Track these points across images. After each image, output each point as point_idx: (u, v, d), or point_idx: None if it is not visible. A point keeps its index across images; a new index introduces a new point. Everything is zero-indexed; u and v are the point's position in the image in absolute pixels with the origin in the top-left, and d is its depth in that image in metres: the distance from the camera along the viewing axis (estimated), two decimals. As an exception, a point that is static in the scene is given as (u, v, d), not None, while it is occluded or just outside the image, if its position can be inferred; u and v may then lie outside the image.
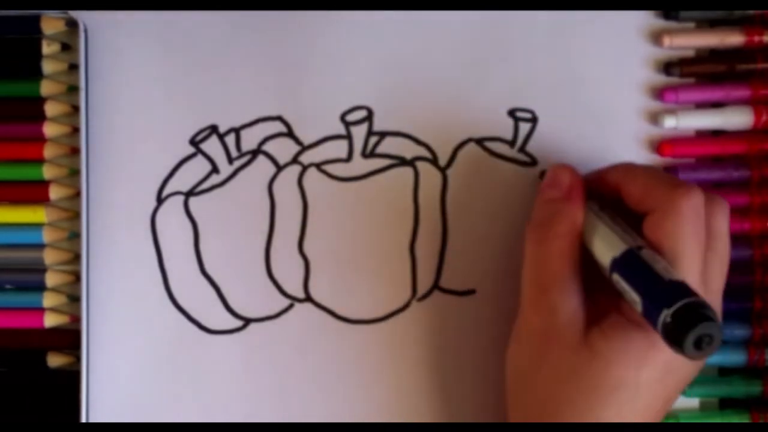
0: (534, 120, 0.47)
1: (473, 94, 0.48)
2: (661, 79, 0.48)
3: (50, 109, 0.48)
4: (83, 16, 0.48)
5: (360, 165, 0.48)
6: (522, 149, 0.47)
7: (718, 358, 0.47)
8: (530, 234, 0.43)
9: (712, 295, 0.41)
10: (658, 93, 0.47)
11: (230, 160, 0.48)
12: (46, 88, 0.48)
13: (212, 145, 0.48)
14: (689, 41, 0.47)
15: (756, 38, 0.46)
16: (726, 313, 0.47)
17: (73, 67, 0.48)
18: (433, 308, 0.47)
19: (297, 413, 0.48)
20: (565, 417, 0.40)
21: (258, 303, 0.48)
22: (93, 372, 0.48)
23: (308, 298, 0.48)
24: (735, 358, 0.47)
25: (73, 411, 0.47)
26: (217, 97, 0.48)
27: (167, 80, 0.48)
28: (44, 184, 0.48)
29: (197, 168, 0.48)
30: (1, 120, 0.48)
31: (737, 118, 0.47)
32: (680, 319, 0.34)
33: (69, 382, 0.47)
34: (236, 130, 0.48)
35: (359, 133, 0.48)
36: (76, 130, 0.48)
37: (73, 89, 0.48)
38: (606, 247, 0.40)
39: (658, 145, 0.47)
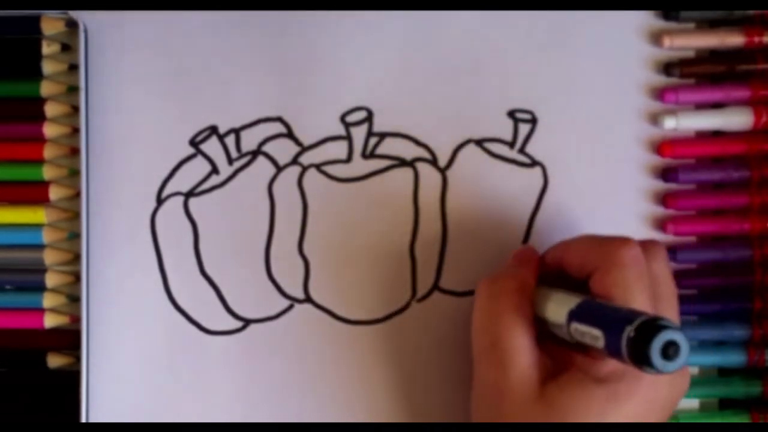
0: (534, 121, 0.47)
1: (473, 94, 0.48)
2: (661, 79, 0.48)
3: (50, 109, 0.47)
4: (83, 17, 0.48)
5: (360, 166, 0.48)
6: (522, 150, 0.47)
7: (718, 358, 0.47)
8: (481, 288, 0.42)
9: None
10: (658, 93, 0.47)
11: (230, 161, 0.48)
12: (46, 88, 0.48)
13: (212, 146, 0.48)
14: (689, 42, 0.47)
15: (756, 39, 0.46)
16: (726, 313, 0.47)
17: (73, 68, 0.48)
18: (432, 309, 0.47)
19: (296, 413, 0.48)
20: None
21: (258, 304, 0.48)
22: (93, 372, 0.48)
23: (308, 299, 0.48)
24: (735, 358, 0.47)
25: (73, 411, 0.47)
26: (217, 98, 0.48)
27: (167, 80, 0.48)
28: (44, 184, 0.48)
29: (197, 169, 0.48)
30: (1, 120, 0.48)
31: (737, 119, 0.47)
32: (643, 331, 0.34)
33: (69, 382, 0.47)
34: (236, 131, 0.48)
35: (359, 133, 0.48)
36: (76, 130, 0.48)
37: (73, 90, 0.48)
38: (560, 306, 0.40)
39: (658, 146, 0.47)
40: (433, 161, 0.48)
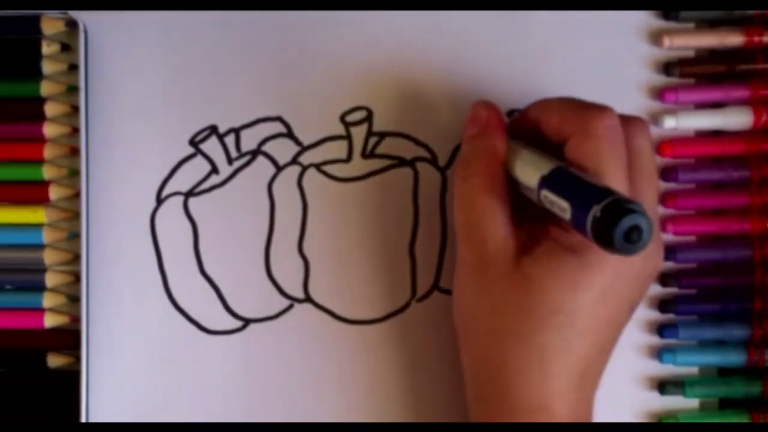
0: (533, 120, 0.47)
1: (473, 94, 0.47)
2: (661, 79, 0.48)
3: (50, 109, 0.47)
4: (83, 17, 0.48)
5: (360, 165, 0.48)
6: (521, 150, 0.47)
7: (718, 358, 0.47)
8: (456, 172, 0.43)
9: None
10: (658, 93, 0.47)
11: (230, 161, 0.48)
12: (45, 88, 0.48)
13: (212, 146, 0.48)
14: (689, 41, 0.47)
15: (756, 38, 0.46)
16: (726, 313, 0.47)
17: (73, 68, 0.48)
18: (432, 309, 0.47)
19: (296, 413, 0.48)
20: (509, 346, 0.40)
21: (257, 303, 0.48)
22: (93, 372, 0.48)
23: (308, 299, 0.48)
24: (735, 358, 0.47)
25: (73, 411, 0.47)
26: (217, 98, 0.48)
27: (167, 80, 0.48)
28: (44, 184, 0.48)
29: (197, 168, 0.48)
30: (1, 120, 0.48)
31: (737, 119, 0.47)
32: (609, 213, 0.34)
33: (69, 382, 0.47)
34: (236, 131, 0.48)
35: (359, 133, 0.48)
36: (75, 130, 0.48)
37: (73, 89, 0.48)
38: (533, 170, 0.40)
39: (658, 146, 0.47)
40: (433, 161, 0.48)
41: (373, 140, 0.48)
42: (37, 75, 0.48)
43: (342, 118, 0.48)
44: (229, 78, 0.48)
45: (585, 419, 0.41)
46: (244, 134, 0.48)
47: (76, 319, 0.48)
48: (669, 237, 0.47)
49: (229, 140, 0.48)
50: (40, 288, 0.48)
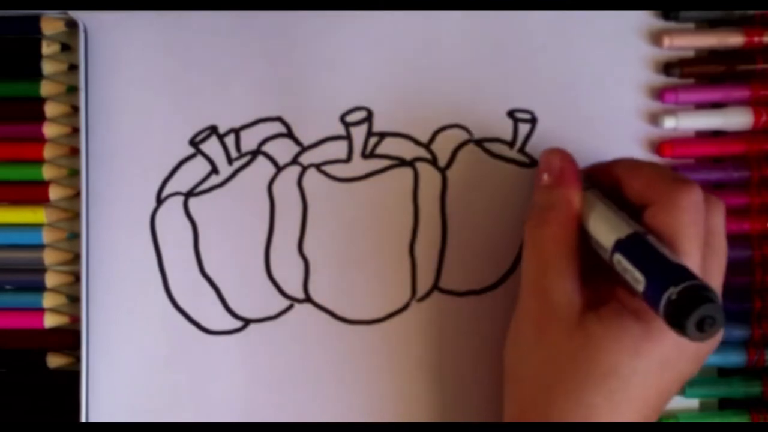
0: (533, 121, 0.47)
1: (473, 94, 0.48)
2: (661, 79, 0.48)
3: (50, 109, 0.48)
4: (83, 17, 0.48)
5: (360, 166, 0.48)
6: (521, 150, 0.47)
7: (718, 358, 0.47)
8: (528, 219, 0.43)
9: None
10: (658, 93, 0.47)
11: (230, 161, 0.48)
12: (45, 88, 0.48)
13: (212, 146, 0.48)
14: (689, 42, 0.47)
15: (756, 39, 0.46)
16: (726, 313, 0.47)
17: (73, 68, 0.48)
18: (432, 309, 0.47)
19: (296, 413, 0.48)
20: (556, 401, 0.40)
21: (258, 304, 0.48)
22: (93, 372, 0.48)
23: (308, 299, 0.48)
24: (734, 358, 0.47)
25: (73, 411, 0.47)
26: (217, 98, 0.48)
27: (167, 80, 0.48)
28: (44, 184, 0.48)
29: (197, 168, 0.48)
30: (1, 120, 0.48)
31: (737, 119, 0.47)
32: (685, 298, 0.34)
33: (69, 382, 0.47)
34: (236, 131, 0.48)
35: (359, 133, 0.48)
36: (75, 130, 0.48)
37: (73, 90, 0.48)
38: (609, 229, 0.40)
39: (658, 146, 0.47)
40: (433, 161, 0.48)
41: (373, 140, 0.48)
42: (37, 75, 0.48)
43: (342, 118, 0.48)
44: (229, 78, 0.48)
45: None
46: (244, 134, 0.48)
47: (76, 319, 0.48)
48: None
49: (229, 140, 0.48)
50: (40, 288, 0.48)
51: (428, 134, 0.48)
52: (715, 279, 0.41)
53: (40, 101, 0.48)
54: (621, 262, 0.38)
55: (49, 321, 0.48)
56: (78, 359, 0.47)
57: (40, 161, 0.48)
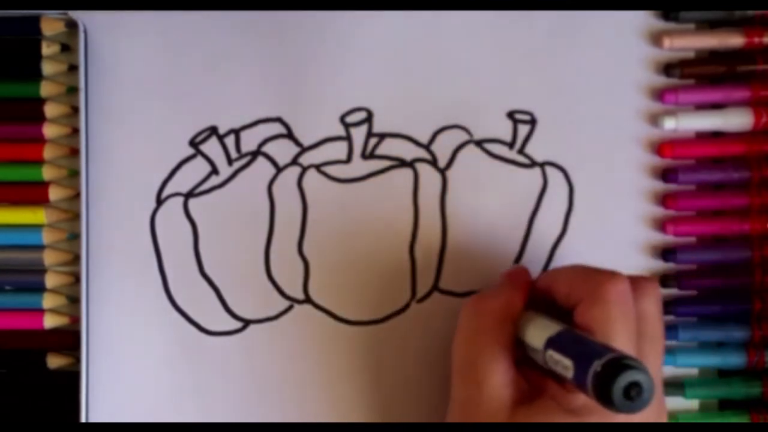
0: (533, 122, 0.47)
1: (473, 95, 0.48)
2: (661, 80, 0.47)
3: (50, 110, 0.47)
4: (83, 17, 0.48)
5: (359, 166, 0.48)
6: (521, 151, 0.47)
7: (718, 359, 0.47)
8: (467, 305, 0.42)
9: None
10: (658, 94, 0.47)
11: (230, 162, 0.48)
12: (45, 89, 0.48)
13: (212, 147, 0.48)
14: (689, 42, 0.47)
15: (756, 39, 0.46)
16: (726, 314, 0.47)
17: (73, 68, 0.48)
18: (432, 310, 0.47)
19: (296, 413, 0.48)
20: None
21: (257, 304, 0.48)
22: (93, 373, 0.48)
23: (308, 300, 0.48)
24: (734, 359, 0.47)
25: (73, 411, 0.47)
26: (217, 98, 0.48)
27: (167, 81, 0.48)
28: (44, 185, 0.48)
29: (197, 169, 0.48)
30: (1, 121, 0.48)
31: (737, 120, 0.47)
32: (608, 368, 0.34)
33: (69, 382, 0.47)
34: (236, 132, 0.48)
35: (359, 134, 0.48)
36: (75, 131, 0.48)
37: (73, 90, 0.48)
38: (541, 332, 0.40)
39: (658, 147, 0.47)
40: (433, 161, 0.48)
41: (373, 141, 0.48)
42: (37, 76, 0.48)
43: (342, 119, 0.48)
44: (229, 78, 0.48)
45: None
46: (244, 135, 0.48)
47: (76, 320, 0.48)
48: (669, 238, 0.47)
49: (229, 141, 0.48)
50: (40, 289, 0.48)
51: (428, 135, 0.48)
52: (650, 361, 0.40)
53: (40, 102, 0.47)
54: (552, 356, 0.38)
55: (49, 321, 0.48)
56: (78, 359, 0.47)
57: (40, 162, 0.48)
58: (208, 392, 0.48)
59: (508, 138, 0.47)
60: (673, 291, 0.47)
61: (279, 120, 0.48)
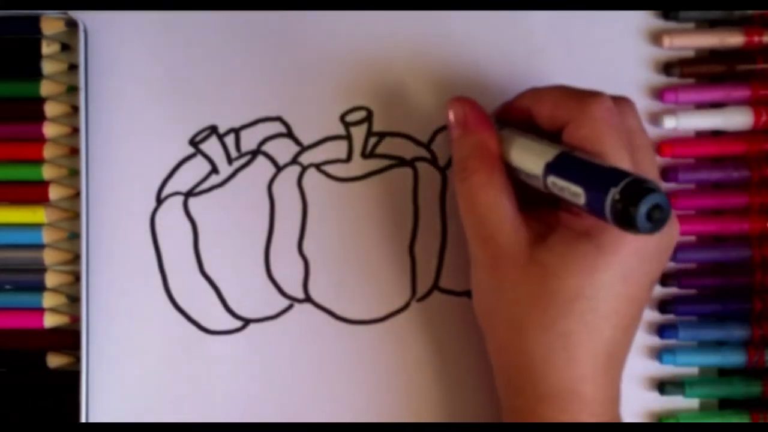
0: (533, 120, 0.47)
1: (473, 94, 0.47)
2: (661, 79, 0.48)
3: (50, 109, 0.48)
4: (83, 17, 0.48)
5: (359, 165, 0.48)
6: (521, 150, 0.47)
7: (718, 359, 0.47)
8: (454, 175, 0.43)
9: None
10: (658, 93, 0.47)
11: (230, 161, 0.48)
12: (45, 88, 0.48)
13: (212, 146, 0.48)
14: (689, 42, 0.47)
15: (756, 39, 0.46)
16: (726, 313, 0.47)
17: (73, 68, 0.48)
18: (432, 308, 0.47)
19: (297, 413, 0.48)
20: (532, 337, 0.40)
21: (257, 303, 0.48)
22: (93, 372, 0.48)
23: (308, 299, 0.48)
24: (734, 359, 0.47)
25: (73, 411, 0.47)
26: (217, 98, 0.48)
27: (167, 80, 0.48)
28: (44, 184, 0.48)
29: (197, 168, 0.48)
30: (1, 120, 0.48)
31: (737, 119, 0.47)
32: (627, 194, 0.34)
33: (69, 382, 0.47)
34: (236, 131, 0.48)
35: (359, 133, 0.48)
36: (75, 130, 0.48)
37: (73, 89, 0.48)
38: (535, 157, 0.40)
39: (658, 146, 0.47)
40: (433, 161, 0.48)
41: (373, 140, 0.48)
42: (37, 75, 0.48)
43: (342, 118, 0.48)
44: (229, 78, 0.48)
45: (614, 401, 0.41)
46: (244, 134, 0.48)
47: (76, 319, 0.48)
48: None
49: (229, 140, 0.48)
50: (40, 288, 0.48)
51: (428, 134, 0.48)
52: (650, 173, 0.41)
53: (40, 101, 0.47)
54: (556, 183, 0.38)
55: (49, 321, 0.48)
56: (78, 359, 0.47)
57: (40, 161, 0.48)
58: (208, 392, 0.48)
59: (508, 137, 0.47)
60: (672, 290, 0.47)
61: (279, 119, 0.48)
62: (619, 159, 0.39)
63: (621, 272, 0.39)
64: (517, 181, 0.42)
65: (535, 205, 0.42)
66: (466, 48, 0.48)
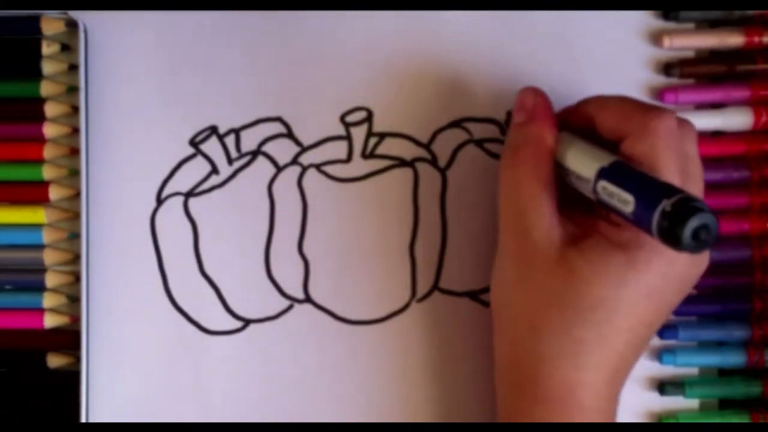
0: (533, 121, 0.47)
1: (473, 94, 0.48)
2: (661, 79, 0.48)
3: (50, 109, 0.48)
4: (83, 17, 0.48)
5: (360, 166, 0.48)
6: (522, 150, 0.47)
7: (718, 359, 0.47)
8: (502, 160, 0.43)
9: None
10: (658, 94, 0.47)
11: (230, 161, 0.48)
12: (45, 88, 0.48)
13: (212, 146, 0.48)
14: (689, 42, 0.47)
15: (756, 39, 0.46)
16: (725, 314, 0.47)
17: (73, 68, 0.48)
18: (432, 309, 0.47)
19: (297, 413, 0.48)
20: (545, 337, 0.40)
21: (258, 304, 0.48)
22: (93, 372, 0.48)
23: (308, 299, 0.48)
24: (735, 359, 0.47)
25: (73, 411, 0.47)
26: (217, 98, 0.48)
27: (167, 80, 0.48)
28: (44, 184, 0.48)
29: (197, 169, 0.48)
30: (1, 120, 0.48)
31: (737, 119, 0.47)
32: (679, 209, 0.34)
33: (69, 382, 0.47)
34: (236, 131, 0.48)
35: (359, 133, 0.48)
36: (75, 130, 0.48)
37: (73, 90, 0.48)
38: (590, 160, 0.40)
39: (658, 146, 0.47)
40: (433, 161, 0.48)
41: (373, 140, 0.48)
42: (37, 75, 0.48)
43: (342, 119, 0.48)
44: (229, 78, 0.48)
45: (611, 415, 0.41)
46: (244, 134, 0.48)
47: (76, 319, 0.48)
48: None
49: (229, 140, 0.48)
50: (40, 288, 0.48)
51: (428, 134, 0.48)
52: None
53: (40, 101, 0.48)
54: (606, 188, 0.38)
55: (49, 321, 0.48)
56: (78, 359, 0.47)
57: (40, 161, 0.48)
58: (208, 392, 0.48)
59: (508, 137, 0.47)
60: (673, 290, 0.47)
61: (279, 119, 0.48)
62: (671, 177, 0.38)
63: (647, 291, 0.39)
64: (560, 183, 0.42)
65: (573, 207, 0.42)
66: (466, 48, 0.48)
